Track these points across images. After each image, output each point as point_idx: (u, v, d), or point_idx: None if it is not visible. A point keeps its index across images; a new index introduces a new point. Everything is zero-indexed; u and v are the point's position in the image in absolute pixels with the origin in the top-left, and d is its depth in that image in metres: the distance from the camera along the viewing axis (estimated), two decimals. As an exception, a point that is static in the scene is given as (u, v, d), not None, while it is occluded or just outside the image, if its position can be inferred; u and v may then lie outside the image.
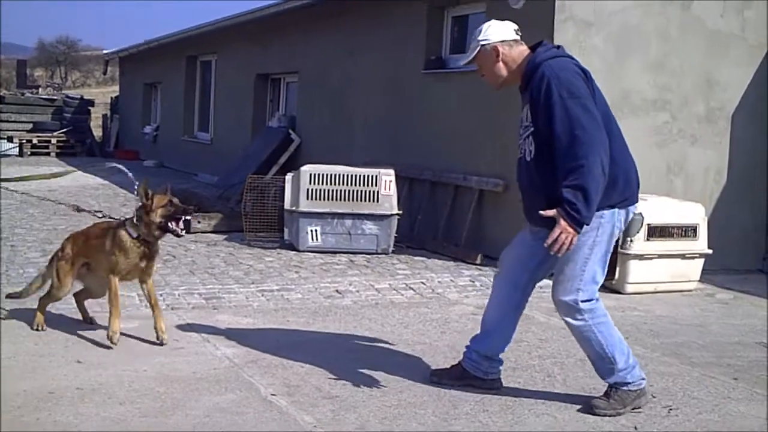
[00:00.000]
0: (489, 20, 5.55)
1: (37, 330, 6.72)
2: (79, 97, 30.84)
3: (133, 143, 27.18)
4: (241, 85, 18.94)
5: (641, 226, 9.00)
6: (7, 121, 27.99)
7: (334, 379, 5.83)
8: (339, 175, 10.77)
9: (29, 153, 26.63)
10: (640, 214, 8.94)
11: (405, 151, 12.50)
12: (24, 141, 26.97)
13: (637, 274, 9.08)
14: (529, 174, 5.24)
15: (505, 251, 5.74)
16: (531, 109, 5.12)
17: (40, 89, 32.81)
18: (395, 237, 10.89)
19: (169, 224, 6.40)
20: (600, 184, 4.85)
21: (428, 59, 12.24)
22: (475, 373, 5.70)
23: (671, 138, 10.35)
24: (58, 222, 12.33)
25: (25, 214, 13.09)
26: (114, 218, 6.76)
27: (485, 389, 5.66)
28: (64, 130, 27.89)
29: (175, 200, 6.50)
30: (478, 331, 5.77)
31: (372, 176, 10.80)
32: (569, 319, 5.27)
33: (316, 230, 10.68)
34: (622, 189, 5.15)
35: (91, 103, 30.32)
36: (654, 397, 5.62)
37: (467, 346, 5.78)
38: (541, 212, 4.97)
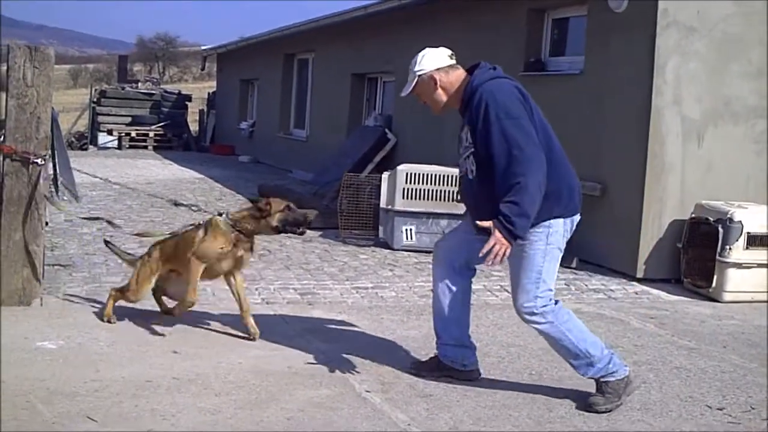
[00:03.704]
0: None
1: (107, 322, 6.74)
2: (176, 92, 31.32)
3: (228, 138, 27.50)
4: (338, 83, 19.04)
5: (740, 235, 8.86)
6: (108, 115, 28.54)
7: (429, 377, 5.85)
8: (435, 175, 10.77)
9: (127, 146, 27.10)
10: (740, 222, 8.81)
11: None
12: (123, 134, 27.46)
13: (735, 282, 8.92)
14: (472, 191, 5.42)
15: (438, 242, 6.01)
16: (470, 130, 5.29)
17: (139, 84, 33.28)
18: (490, 239, 10.81)
19: (287, 228, 6.39)
20: (536, 200, 5.00)
21: (527, 61, 12.15)
22: (452, 365, 5.79)
23: (772, 146, 10.12)
24: (155, 214, 12.57)
25: (124, 206, 13.34)
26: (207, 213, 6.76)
27: (464, 380, 5.74)
28: (162, 124, 28.34)
29: (293, 206, 6.46)
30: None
31: (468, 177, 10.76)
32: (535, 325, 5.40)
33: (411, 229, 10.71)
34: (567, 201, 5.32)
35: (189, 98, 30.74)
36: (753, 408, 5.56)
37: (437, 339, 5.85)
38: (478, 222, 5.13)
